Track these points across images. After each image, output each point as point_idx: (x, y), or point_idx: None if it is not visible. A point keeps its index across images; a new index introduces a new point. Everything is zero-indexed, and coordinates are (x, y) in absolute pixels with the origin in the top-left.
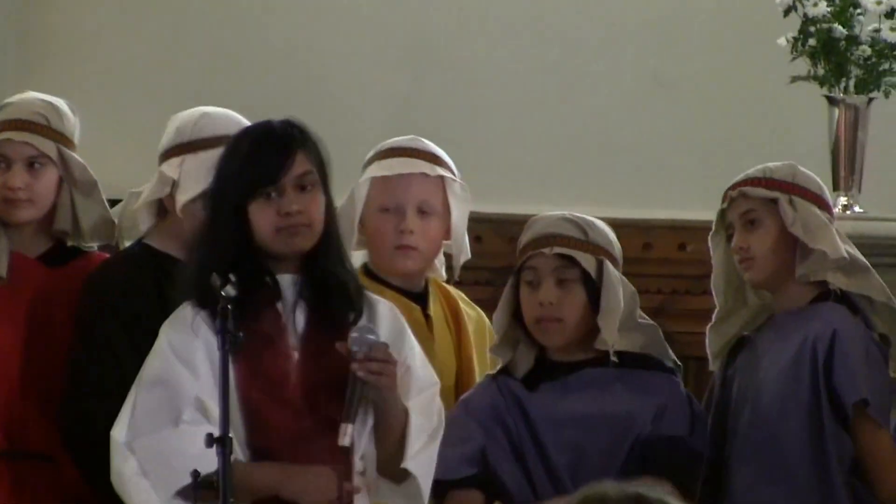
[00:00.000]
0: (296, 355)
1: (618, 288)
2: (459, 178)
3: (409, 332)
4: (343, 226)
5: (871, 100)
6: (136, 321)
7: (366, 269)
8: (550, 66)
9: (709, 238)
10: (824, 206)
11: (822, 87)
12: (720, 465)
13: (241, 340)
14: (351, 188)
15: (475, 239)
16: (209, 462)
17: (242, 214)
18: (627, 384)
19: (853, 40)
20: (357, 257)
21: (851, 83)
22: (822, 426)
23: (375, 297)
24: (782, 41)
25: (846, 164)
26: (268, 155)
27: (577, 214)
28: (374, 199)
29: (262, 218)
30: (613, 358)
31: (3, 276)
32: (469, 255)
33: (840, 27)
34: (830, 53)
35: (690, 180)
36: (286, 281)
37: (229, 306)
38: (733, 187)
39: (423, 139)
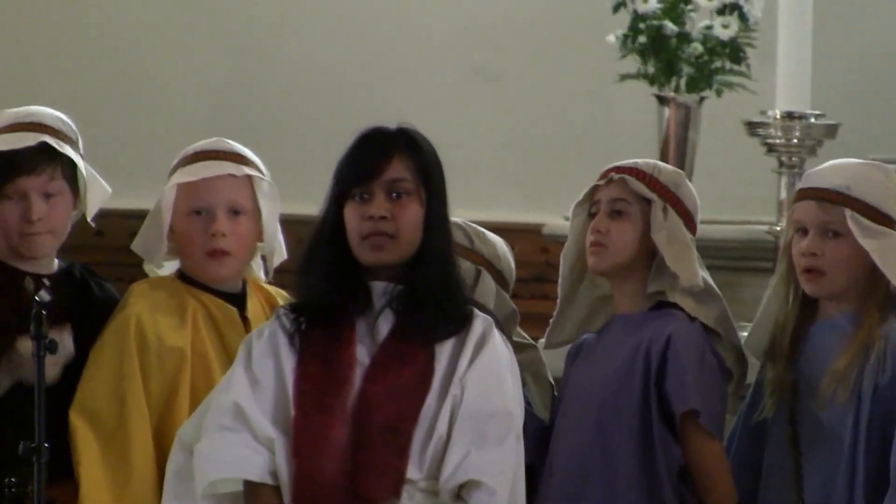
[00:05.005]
0: (366, 362)
1: (489, 298)
2: (268, 177)
3: (488, 355)
4: (151, 235)
5: (702, 99)
6: None
7: (180, 274)
8: (367, 60)
9: (573, 206)
10: (692, 226)
11: (652, 85)
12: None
13: (56, 347)
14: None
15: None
16: (240, 468)
17: (340, 215)
18: None
19: (684, 38)
20: (169, 267)
21: (682, 82)
22: (651, 432)
23: (481, 314)
24: (611, 38)
25: (676, 164)
26: (364, 156)
27: (472, 224)
28: (182, 205)
29: (351, 220)
30: None
31: None
32: (284, 255)
33: (671, 24)
34: (661, 51)
35: (514, 181)
36: (378, 288)
37: (44, 311)
38: (618, 170)
39: (227, 140)
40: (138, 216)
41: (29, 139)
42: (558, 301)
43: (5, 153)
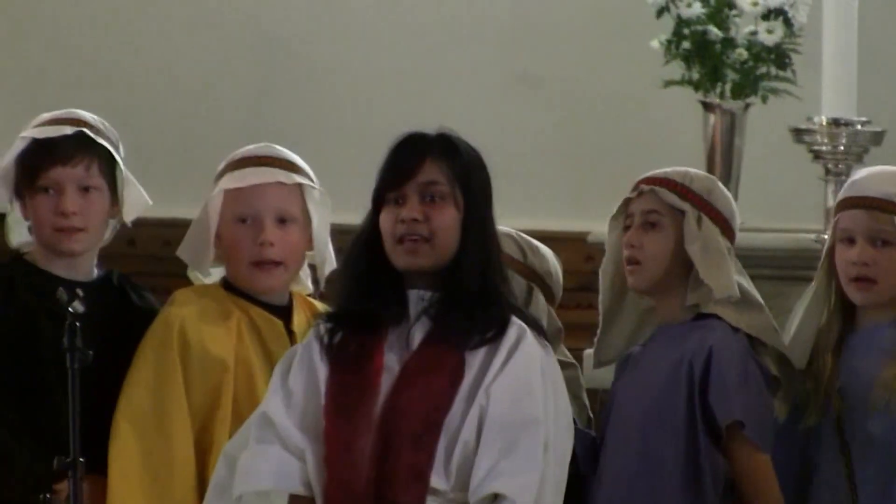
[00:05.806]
0: (395, 370)
1: (541, 317)
2: (318, 185)
3: (517, 363)
4: (197, 241)
5: (748, 105)
6: None
7: (225, 283)
8: (409, 66)
9: (609, 220)
10: (729, 232)
11: (696, 91)
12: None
13: (90, 359)
14: (204, 202)
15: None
16: (276, 479)
17: (377, 222)
18: None
19: (729, 43)
20: (216, 274)
21: (727, 88)
22: (697, 444)
23: (517, 321)
24: (655, 44)
25: (722, 171)
26: (397, 160)
27: (525, 236)
28: (229, 212)
29: (385, 224)
30: None
31: None
32: (334, 265)
33: (715, 29)
34: (705, 57)
35: (558, 188)
36: (414, 296)
37: (77, 323)
38: (647, 181)
39: (276, 146)
40: (170, 225)
41: (66, 129)
42: (600, 318)
43: (41, 142)
